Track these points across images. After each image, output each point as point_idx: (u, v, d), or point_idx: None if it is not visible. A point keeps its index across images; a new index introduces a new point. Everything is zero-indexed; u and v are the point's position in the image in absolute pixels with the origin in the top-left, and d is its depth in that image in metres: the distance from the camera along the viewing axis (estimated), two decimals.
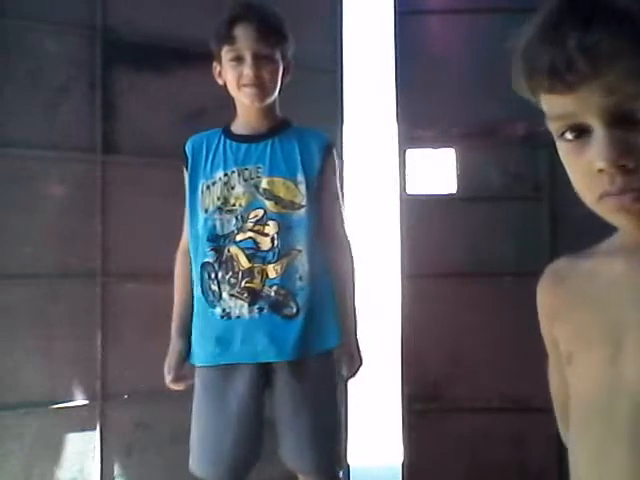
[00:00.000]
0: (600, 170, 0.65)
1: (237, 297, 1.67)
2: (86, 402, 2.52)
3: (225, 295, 1.67)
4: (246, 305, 1.66)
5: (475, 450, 2.80)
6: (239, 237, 1.68)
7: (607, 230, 0.72)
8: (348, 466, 2.73)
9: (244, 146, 1.72)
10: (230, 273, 1.67)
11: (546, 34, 0.65)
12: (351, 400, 2.74)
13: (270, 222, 1.67)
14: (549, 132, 0.71)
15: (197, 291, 1.72)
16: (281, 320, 1.66)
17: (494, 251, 2.83)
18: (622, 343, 0.68)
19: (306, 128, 1.81)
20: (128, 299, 2.59)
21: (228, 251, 1.68)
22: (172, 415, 2.51)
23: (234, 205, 1.69)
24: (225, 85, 1.75)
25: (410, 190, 2.90)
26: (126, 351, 2.55)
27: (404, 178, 2.90)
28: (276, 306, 1.67)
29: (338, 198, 1.80)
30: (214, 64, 1.76)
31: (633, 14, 0.62)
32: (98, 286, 2.55)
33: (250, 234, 1.67)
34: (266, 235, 1.67)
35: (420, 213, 2.87)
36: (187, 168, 1.76)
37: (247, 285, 1.66)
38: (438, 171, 2.94)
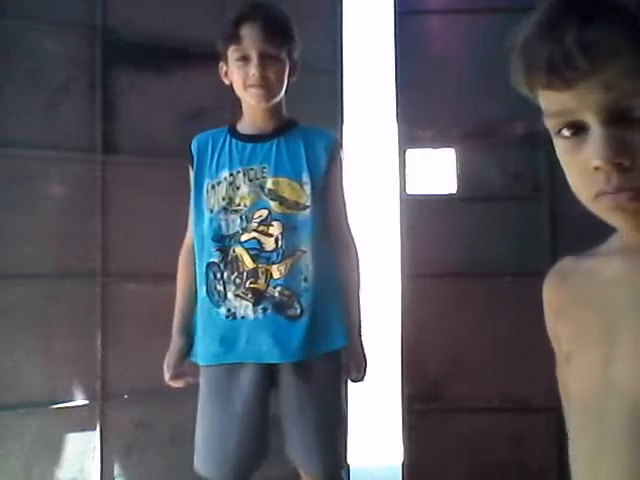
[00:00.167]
0: (596, 168, 0.65)
1: (242, 297, 1.66)
2: (86, 402, 2.52)
3: (230, 295, 1.67)
4: (251, 305, 1.66)
5: (475, 450, 2.81)
6: (244, 237, 1.67)
7: (607, 230, 0.72)
8: (348, 466, 2.72)
9: (250, 146, 1.72)
10: (235, 273, 1.67)
11: (545, 31, 0.65)
12: (351, 400, 2.74)
13: (274, 222, 1.67)
14: (548, 132, 0.71)
15: (201, 291, 1.71)
16: (285, 321, 1.66)
17: (494, 251, 2.84)
18: (617, 342, 0.68)
19: (312, 128, 1.80)
20: (128, 299, 2.59)
21: (233, 251, 1.68)
22: (172, 415, 2.52)
23: (239, 205, 1.68)
24: (231, 85, 1.75)
25: (410, 190, 2.91)
26: (126, 351, 2.55)
27: (404, 178, 2.90)
28: (280, 307, 1.66)
29: (343, 198, 1.79)
30: (220, 64, 1.75)
31: (632, 11, 0.62)
32: (98, 286, 2.55)
33: (254, 234, 1.67)
34: (270, 235, 1.67)
35: (420, 213, 2.87)
36: (192, 167, 1.76)
37: (251, 285, 1.66)
38: (438, 171, 2.94)
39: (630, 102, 0.64)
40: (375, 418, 4.34)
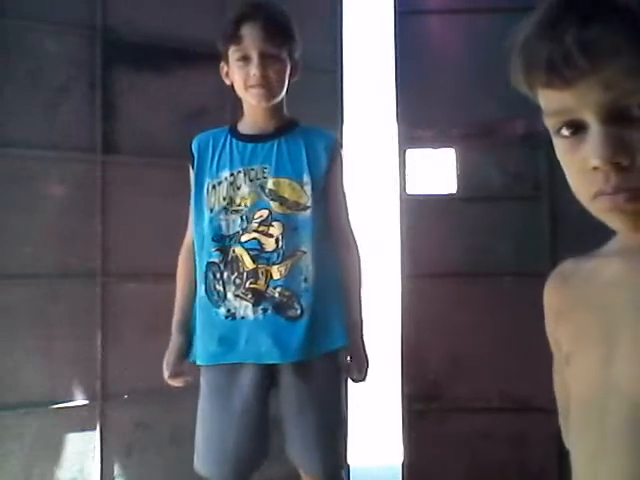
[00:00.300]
0: (595, 167, 0.65)
1: (242, 298, 1.66)
2: (86, 402, 2.52)
3: (230, 295, 1.67)
4: (250, 306, 1.66)
5: (475, 450, 2.81)
6: (244, 238, 1.67)
7: (607, 230, 0.72)
8: (348, 466, 2.72)
9: (250, 146, 1.72)
10: (235, 274, 1.67)
11: (544, 30, 0.65)
12: (351, 400, 2.74)
13: (275, 223, 1.66)
14: (548, 132, 0.71)
15: (201, 290, 1.71)
16: (285, 322, 1.66)
17: (494, 251, 2.84)
18: (617, 343, 0.68)
19: (312, 128, 1.80)
20: (128, 299, 2.59)
21: (233, 251, 1.67)
22: (172, 415, 2.52)
23: (240, 205, 1.68)
24: (232, 85, 1.74)
25: (410, 190, 2.91)
26: (126, 351, 2.55)
27: (404, 178, 2.90)
28: (280, 307, 1.66)
29: (344, 197, 1.79)
30: (221, 64, 1.75)
31: (633, 11, 0.62)
32: (98, 286, 2.55)
33: (255, 235, 1.67)
34: (271, 236, 1.66)
35: (420, 213, 2.87)
36: (193, 167, 1.75)
37: (251, 286, 1.66)
38: (438, 171, 2.94)
39: (629, 101, 0.64)
40: (375, 418, 4.34)
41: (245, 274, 1.67)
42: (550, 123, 0.70)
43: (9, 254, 2.44)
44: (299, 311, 1.66)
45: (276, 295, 1.66)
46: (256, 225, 1.67)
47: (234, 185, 1.69)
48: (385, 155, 3.60)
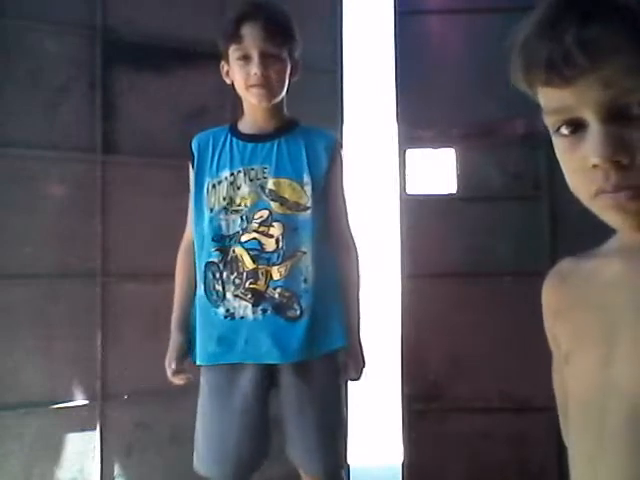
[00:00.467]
0: (594, 166, 0.65)
1: (241, 298, 1.66)
2: (86, 402, 2.52)
3: (229, 295, 1.67)
4: (250, 306, 1.66)
5: (475, 450, 2.81)
6: (244, 238, 1.67)
7: (607, 230, 0.72)
8: (348, 466, 2.72)
9: (250, 145, 1.72)
10: (235, 274, 1.67)
11: (544, 30, 0.65)
12: (351, 400, 2.74)
13: (275, 223, 1.66)
14: (548, 131, 0.71)
15: (200, 290, 1.71)
16: (285, 322, 1.66)
17: (494, 251, 2.84)
18: (617, 343, 0.68)
19: (312, 128, 1.80)
20: (128, 299, 2.59)
21: (233, 251, 1.67)
22: (172, 415, 2.52)
23: (240, 205, 1.68)
24: (233, 85, 1.74)
25: (410, 190, 2.91)
26: (126, 351, 2.55)
27: (404, 178, 2.90)
28: (280, 308, 1.66)
29: (344, 198, 1.79)
30: (222, 63, 1.74)
31: (632, 9, 0.62)
32: (98, 286, 2.55)
33: (255, 235, 1.67)
34: (271, 236, 1.66)
35: (420, 213, 2.87)
36: (193, 166, 1.75)
37: (251, 286, 1.66)
38: (438, 171, 2.94)
39: (629, 99, 0.64)
40: (375, 418, 4.33)
41: (245, 274, 1.66)
42: (550, 122, 0.70)
43: (9, 254, 2.44)
44: (299, 312, 1.66)
45: (276, 296, 1.66)
46: (256, 225, 1.67)
47: (234, 185, 1.69)
48: (385, 155, 3.61)
